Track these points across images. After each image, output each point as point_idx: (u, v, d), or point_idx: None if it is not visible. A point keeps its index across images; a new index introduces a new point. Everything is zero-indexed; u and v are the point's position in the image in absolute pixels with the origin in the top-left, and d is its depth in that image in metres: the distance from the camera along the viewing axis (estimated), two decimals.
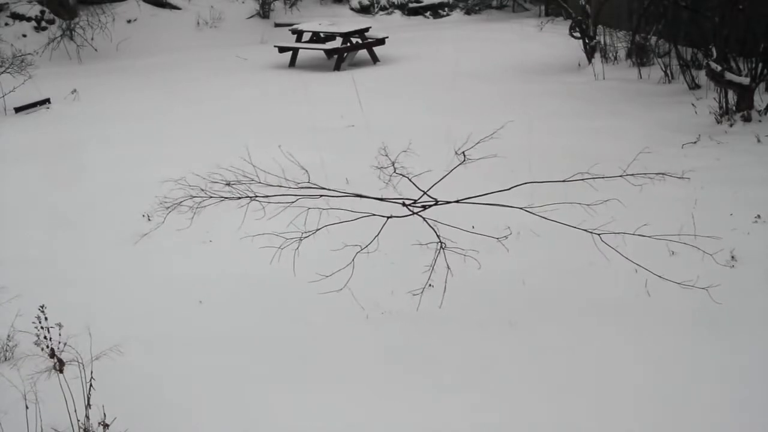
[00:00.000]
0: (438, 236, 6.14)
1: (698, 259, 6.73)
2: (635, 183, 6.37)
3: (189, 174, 6.75)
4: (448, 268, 6.12)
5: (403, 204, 6.42)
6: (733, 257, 6.75)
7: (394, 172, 6.35)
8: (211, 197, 6.27)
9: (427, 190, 6.43)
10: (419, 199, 6.41)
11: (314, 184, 6.35)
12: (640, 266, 6.16)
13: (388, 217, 6.34)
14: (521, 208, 6.30)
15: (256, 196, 6.27)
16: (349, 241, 6.24)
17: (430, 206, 6.39)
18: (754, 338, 5.75)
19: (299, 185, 6.30)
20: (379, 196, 6.49)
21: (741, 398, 5.14)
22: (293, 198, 6.28)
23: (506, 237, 6.36)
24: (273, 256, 6.20)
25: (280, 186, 6.41)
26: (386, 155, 6.34)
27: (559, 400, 5.21)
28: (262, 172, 6.37)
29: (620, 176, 6.26)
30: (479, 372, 5.54)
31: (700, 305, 6.14)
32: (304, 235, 6.20)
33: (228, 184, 6.26)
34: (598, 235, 6.06)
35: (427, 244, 6.26)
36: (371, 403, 5.28)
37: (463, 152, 6.32)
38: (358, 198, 6.49)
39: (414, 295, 6.13)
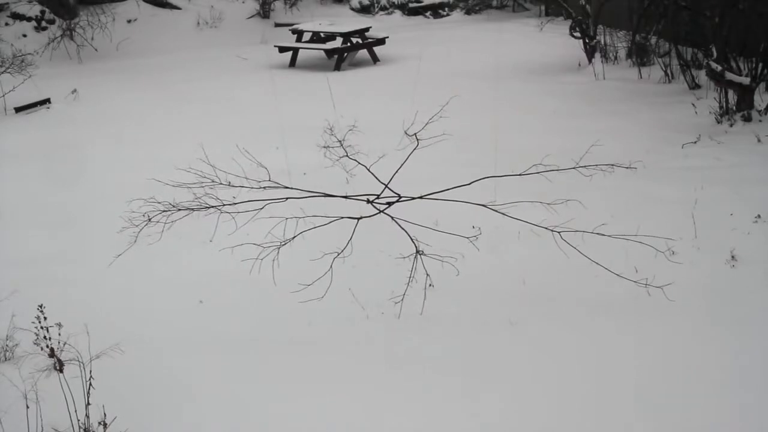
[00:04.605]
0: (413, 242, 6.20)
1: (699, 258, 6.75)
2: (586, 174, 6.47)
3: (182, 173, 6.77)
4: (427, 275, 6.20)
5: (367, 201, 6.45)
6: (733, 257, 6.75)
7: (346, 154, 6.42)
8: (180, 210, 6.37)
9: (388, 183, 6.51)
10: (381, 193, 6.45)
11: (277, 183, 6.38)
12: (598, 264, 6.21)
13: (358, 219, 6.40)
14: (483, 205, 6.32)
15: (224, 205, 6.34)
16: (329, 242, 6.31)
17: (394, 203, 6.42)
18: (755, 338, 5.75)
19: (261, 183, 6.35)
20: (344, 194, 6.55)
21: (741, 398, 5.14)
22: (260, 204, 6.37)
23: (476, 237, 6.38)
24: (271, 258, 6.21)
25: (242, 186, 6.45)
26: (332, 134, 6.40)
27: (559, 399, 5.21)
28: (224, 174, 6.45)
29: (573, 168, 6.39)
30: (479, 371, 5.54)
31: (701, 305, 6.15)
32: (285, 240, 6.26)
33: (194, 196, 6.38)
34: (558, 233, 6.13)
35: (406, 256, 6.35)
36: (371, 404, 5.28)
37: (415, 134, 6.38)
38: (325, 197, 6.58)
39: (396, 303, 6.16)
